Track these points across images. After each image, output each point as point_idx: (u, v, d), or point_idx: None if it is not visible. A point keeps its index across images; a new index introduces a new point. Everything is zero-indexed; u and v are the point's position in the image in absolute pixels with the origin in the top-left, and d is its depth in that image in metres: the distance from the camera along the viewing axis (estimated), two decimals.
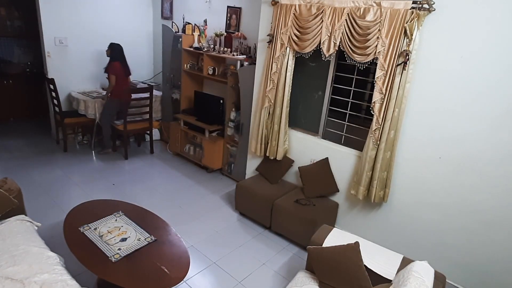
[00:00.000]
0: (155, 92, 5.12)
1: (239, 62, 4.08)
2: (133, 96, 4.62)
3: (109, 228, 2.56)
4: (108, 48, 4.63)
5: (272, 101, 3.48)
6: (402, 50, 2.62)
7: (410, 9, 2.55)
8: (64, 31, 4.85)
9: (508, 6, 2.27)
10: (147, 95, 4.71)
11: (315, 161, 3.46)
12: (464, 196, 2.66)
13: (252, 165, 4.00)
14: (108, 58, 4.62)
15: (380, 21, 2.68)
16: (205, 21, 4.76)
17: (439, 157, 2.73)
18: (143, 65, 5.86)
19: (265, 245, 3.30)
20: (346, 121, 3.35)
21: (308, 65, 3.44)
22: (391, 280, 2.09)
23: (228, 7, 4.49)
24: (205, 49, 4.53)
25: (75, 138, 5.23)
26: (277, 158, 3.62)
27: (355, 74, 3.17)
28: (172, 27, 5.02)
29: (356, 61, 2.88)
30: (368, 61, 2.84)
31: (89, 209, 2.81)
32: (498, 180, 2.50)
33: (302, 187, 3.49)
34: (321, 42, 3.02)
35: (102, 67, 5.35)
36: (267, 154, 3.67)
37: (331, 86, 3.34)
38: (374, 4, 2.70)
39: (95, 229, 2.53)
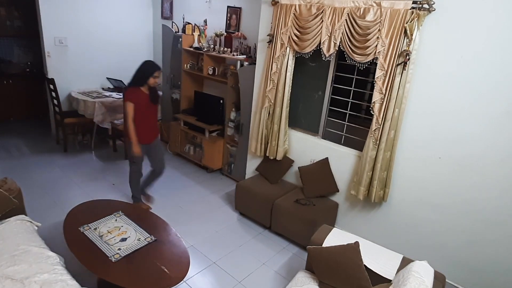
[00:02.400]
0: None
1: (239, 62, 4.08)
2: None
3: (109, 228, 2.56)
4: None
5: (272, 101, 3.48)
6: (402, 50, 2.62)
7: (410, 9, 2.55)
8: (64, 31, 4.85)
9: (508, 6, 2.27)
10: None
11: (315, 161, 3.46)
12: (464, 196, 2.67)
13: (252, 165, 4.00)
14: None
15: (380, 21, 2.68)
16: (205, 21, 4.77)
17: (439, 157, 2.73)
18: None
19: (265, 245, 3.30)
20: (346, 121, 3.35)
21: (308, 65, 3.44)
22: (391, 280, 2.09)
23: (228, 7, 4.49)
24: (205, 49, 4.53)
25: (75, 138, 5.23)
26: (277, 158, 3.62)
27: (355, 74, 3.17)
28: (172, 27, 5.02)
29: (356, 61, 2.88)
30: (368, 61, 2.84)
31: (89, 209, 2.81)
32: (498, 180, 2.50)
33: (302, 187, 3.49)
34: (321, 42, 3.02)
35: (104, 68, 5.38)
36: (267, 154, 3.67)
37: (331, 86, 3.34)
38: (374, 4, 2.70)
39: (95, 229, 2.53)
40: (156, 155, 3.45)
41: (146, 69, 3.18)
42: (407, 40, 2.59)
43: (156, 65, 3.22)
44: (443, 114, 2.65)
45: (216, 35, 4.48)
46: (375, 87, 2.80)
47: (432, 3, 2.48)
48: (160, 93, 5.33)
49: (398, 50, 2.64)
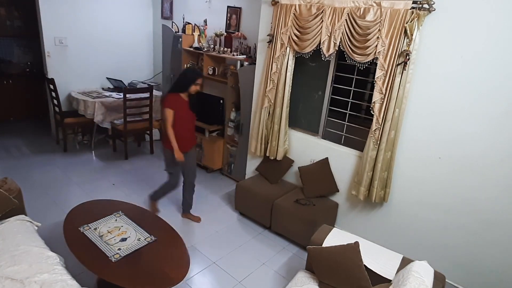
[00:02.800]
0: (155, 92, 5.10)
1: (239, 62, 4.08)
2: (133, 96, 4.61)
3: (109, 228, 2.56)
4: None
5: (272, 101, 3.48)
6: (402, 50, 2.62)
7: (410, 9, 2.55)
8: (64, 31, 4.85)
9: (508, 6, 2.27)
10: (147, 95, 4.71)
11: (315, 161, 3.46)
12: (464, 196, 2.67)
13: (252, 165, 4.00)
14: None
15: (380, 21, 2.68)
16: (205, 21, 4.77)
17: (439, 157, 2.73)
18: (143, 65, 5.86)
19: (265, 245, 3.30)
20: (346, 121, 3.35)
21: (308, 65, 3.44)
22: (391, 280, 2.09)
23: (228, 7, 4.49)
24: (205, 49, 4.53)
25: (75, 138, 5.23)
26: (277, 158, 3.61)
27: (355, 74, 3.17)
28: (172, 27, 5.02)
29: (356, 61, 2.88)
30: (368, 61, 2.84)
31: (89, 209, 2.81)
32: (498, 180, 2.50)
33: (302, 187, 3.49)
34: (321, 42, 3.02)
35: (104, 68, 5.38)
36: (267, 154, 3.67)
37: (331, 86, 3.34)
38: (374, 4, 2.70)
39: (95, 229, 2.53)
40: (190, 164, 3.32)
41: (189, 76, 3.15)
42: (407, 40, 2.59)
43: (198, 72, 3.25)
44: (443, 114, 2.65)
45: (216, 35, 4.48)
46: (375, 87, 2.80)
47: (432, 3, 2.48)
48: (160, 93, 5.34)
49: (398, 50, 2.64)
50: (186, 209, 3.60)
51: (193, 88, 3.13)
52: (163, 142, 3.29)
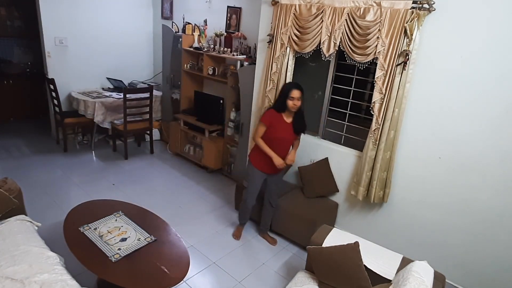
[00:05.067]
0: (155, 92, 5.12)
1: (239, 62, 4.08)
2: (133, 96, 4.61)
3: (109, 228, 2.56)
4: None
5: (272, 101, 3.48)
6: (402, 50, 2.62)
7: (410, 9, 2.55)
8: (64, 31, 4.85)
9: (508, 6, 2.27)
10: (147, 95, 4.71)
11: (315, 161, 3.46)
12: (464, 196, 2.67)
13: None
14: None
15: (380, 21, 2.68)
16: (205, 21, 4.77)
17: (438, 157, 2.73)
18: (143, 65, 5.86)
19: (265, 245, 3.30)
20: (346, 121, 3.35)
21: (308, 65, 3.44)
22: (390, 280, 2.09)
23: (228, 7, 4.49)
24: (205, 49, 4.53)
25: (75, 138, 5.23)
26: None
27: (355, 74, 3.18)
28: (172, 27, 5.02)
29: (356, 61, 2.88)
30: (368, 61, 2.84)
31: (89, 209, 2.81)
32: (498, 179, 2.50)
33: (302, 187, 3.49)
34: (321, 42, 3.02)
35: (104, 68, 5.38)
36: None
37: (331, 86, 3.34)
38: (374, 4, 2.70)
39: (95, 229, 2.53)
40: (274, 186, 3.14)
41: (282, 90, 2.85)
42: (407, 40, 2.59)
43: (293, 84, 2.80)
44: (443, 114, 2.65)
45: (216, 35, 4.48)
46: (375, 87, 2.80)
47: (432, 3, 2.48)
48: (160, 93, 5.35)
49: (398, 50, 2.64)
50: (263, 229, 3.35)
51: (290, 104, 2.76)
52: (250, 155, 3.10)
